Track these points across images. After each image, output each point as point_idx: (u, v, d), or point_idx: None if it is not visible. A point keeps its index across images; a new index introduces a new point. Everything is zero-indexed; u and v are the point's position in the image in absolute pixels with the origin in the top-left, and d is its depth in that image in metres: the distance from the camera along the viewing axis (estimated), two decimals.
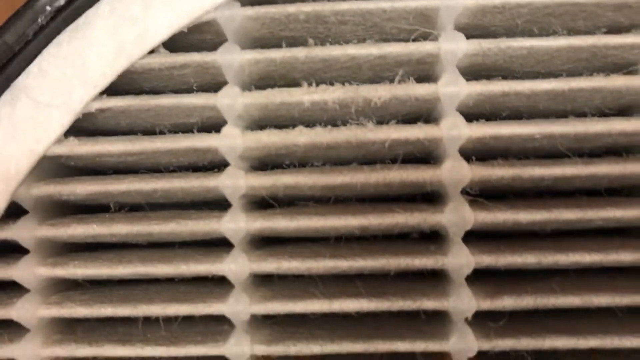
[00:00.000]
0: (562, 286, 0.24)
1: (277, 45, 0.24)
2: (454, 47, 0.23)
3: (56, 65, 0.24)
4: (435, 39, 0.24)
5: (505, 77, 0.24)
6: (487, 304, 0.23)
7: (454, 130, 0.23)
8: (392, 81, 0.24)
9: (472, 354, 0.23)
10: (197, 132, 0.25)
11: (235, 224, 0.24)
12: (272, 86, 0.24)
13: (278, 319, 0.26)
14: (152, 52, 0.24)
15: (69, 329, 0.26)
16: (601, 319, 0.24)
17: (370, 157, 0.25)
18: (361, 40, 0.25)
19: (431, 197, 0.26)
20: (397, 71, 0.24)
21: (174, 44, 0.25)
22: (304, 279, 0.25)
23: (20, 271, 0.24)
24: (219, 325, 0.25)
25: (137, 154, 0.24)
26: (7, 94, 0.24)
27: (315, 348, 0.23)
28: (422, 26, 0.24)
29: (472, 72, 0.25)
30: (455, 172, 0.23)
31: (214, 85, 0.25)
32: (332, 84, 0.24)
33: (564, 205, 0.23)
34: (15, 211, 0.25)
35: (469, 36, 0.24)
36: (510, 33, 0.25)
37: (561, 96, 0.24)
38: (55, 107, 0.24)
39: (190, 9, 0.23)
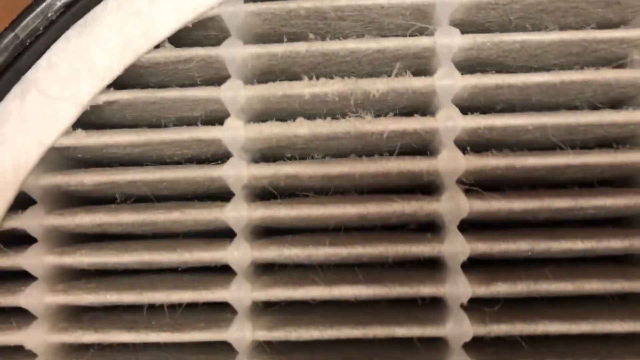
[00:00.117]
0: (555, 274, 0.24)
1: (279, 41, 0.25)
2: (449, 41, 0.24)
3: (65, 59, 0.25)
4: (432, 34, 0.25)
5: (499, 72, 0.25)
6: (482, 290, 0.24)
7: (449, 121, 0.24)
8: (390, 75, 0.25)
9: (468, 338, 0.24)
10: (201, 125, 0.26)
11: (237, 212, 0.25)
12: (274, 80, 0.25)
13: (279, 307, 0.26)
14: (157, 47, 0.25)
15: (76, 317, 0.27)
16: (593, 306, 0.25)
17: (369, 149, 0.26)
18: (360, 35, 0.26)
19: (428, 191, 0.27)
20: (395, 66, 0.25)
21: (179, 40, 0.25)
22: (304, 269, 0.26)
23: (29, 259, 0.25)
24: (221, 313, 0.26)
25: (143, 145, 0.25)
26: (17, 87, 0.25)
27: (315, 333, 0.24)
28: (419, 22, 0.25)
29: (468, 66, 0.25)
30: (450, 161, 0.24)
31: (218, 79, 0.26)
32: (332, 78, 0.25)
33: (556, 194, 0.24)
34: (24, 202, 0.26)
35: (464, 32, 0.24)
36: (504, 29, 0.25)
37: (553, 89, 0.24)
38: (63, 100, 0.25)
39: (194, 4, 0.24)
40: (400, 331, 0.24)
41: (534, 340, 0.25)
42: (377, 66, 0.26)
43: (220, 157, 0.26)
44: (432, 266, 0.26)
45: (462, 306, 0.24)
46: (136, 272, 0.27)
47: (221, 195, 0.26)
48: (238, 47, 0.25)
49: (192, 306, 0.26)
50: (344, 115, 0.25)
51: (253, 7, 0.25)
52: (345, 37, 0.25)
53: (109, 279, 0.27)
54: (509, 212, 0.24)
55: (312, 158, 0.27)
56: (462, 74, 0.24)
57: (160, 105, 0.26)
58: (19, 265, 0.25)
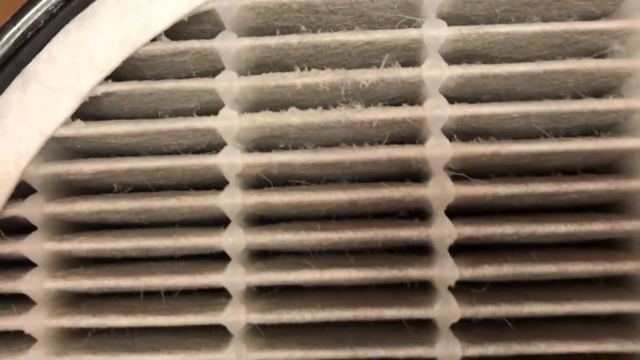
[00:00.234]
0: (539, 257, 0.25)
1: (272, 34, 0.26)
2: (436, 33, 0.25)
3: (65, 52, 0.26)
4: (419, 26, 0.25)
5: (485, 63, 0.26)
6: (469, 272, 0.24)
7: (436, 110, 0.25)
8: (379, 67, 0.26)
9: (456, 319, 0.24)
10: (197, 116, 0.26)
11: (232, 199, 0.25)
12: (267, 72, 0.26)
13: (273, 292, 0.27)
14: (154, 40, 0.26)
15: (74, 304, 0.27)
16: (578, 289, 0.26)
17: (359, 138, 0.26)
18: (350, 28, 0.26)
19: (417, 180, 0.27)
20: (384, 57, 0.26)
21: (175, 34, 0.26)
22: (297, 256, 0.27)
23: (28, 246, 0.26)
24: (216, 298, 0.27)
25: (140, 135, 0.26)
26: (19, 79, 0.26)
27: (307, 315, 0.25)
28: (407, 15, 0.26)
29: (455, 58, 0.26)
30: (438, 148, 0.25)
31: (213, 72, 0.26)
32: (323, 69, 0.26)
33: (540, 179, 0.25)
34: (25, 191, 0.26)
35: (451, 25, 0.25)
36: (490, 22, 0.26)
37: (537, 79, 0.25)
38: (63, 91, 0.26)
39: None
40: (390, 313, 0.25)
41: (520, 322, 0.25)
42: (367, 58, 0.26)
43: (216, 147, 0.27)
44: (421, 252, 0.27)
45: (449, 288, 0.25)
46: (134, 260, 0.28)
47: (216, 185, 0.27)
48: (232, 40, 0.25)
49: (188, 293, 0.27)
50: (335, 105, 0.26)
51: (247, 1, 0.25)
52: (336, 30, 0.26)
53: (107, 266, 0.27)
54: (495, 197, 0.25)
55: (305, 148, 0.27)
56: (449, 65, 0.25)
57: (156, 97, 0.26)
58: (19, 252, 0.26)
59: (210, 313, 0.25)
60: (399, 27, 0.26)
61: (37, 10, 0.25)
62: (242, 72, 0.26)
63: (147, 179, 0.27)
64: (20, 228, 0.26)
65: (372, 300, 0.25)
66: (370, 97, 0.26)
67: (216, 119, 0.25)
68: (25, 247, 0.26)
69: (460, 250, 0.25)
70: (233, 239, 0.25)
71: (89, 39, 0.26)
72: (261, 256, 0.28)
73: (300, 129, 0.26)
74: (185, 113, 0.27)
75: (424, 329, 0.26)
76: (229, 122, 0.25)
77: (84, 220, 0.27)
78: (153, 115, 0.27)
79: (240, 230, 0.25)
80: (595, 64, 0.25)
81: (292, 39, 0.25)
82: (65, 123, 0.26)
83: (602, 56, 0.26)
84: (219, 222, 0.26)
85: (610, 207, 0.27)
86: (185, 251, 0.26)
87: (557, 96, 0.27)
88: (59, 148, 0.27)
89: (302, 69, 0.26)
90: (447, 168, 0.25)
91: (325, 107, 0.26)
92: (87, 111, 0.27)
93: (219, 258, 0.26)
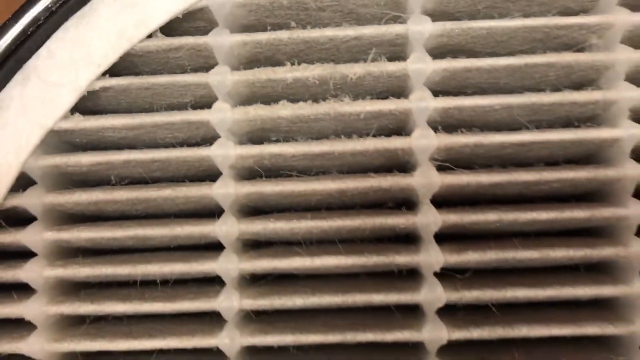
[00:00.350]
0: (523, 244, 0.26)
1: (263, 31, 0.27)
2: (420, 28, 0.26)
3: (64, 48, 0.27)
4: (405, 22, 0.26)
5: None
6: (454, 258, 0.25)
7: (422, 102, 0.26)
8: (367, 61, 0.27)
9: (441, 304, 0.25)
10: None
11: (225, 189, 0.26)
12: (259, 68, 0.27)
13: (266, 281, 0.28)
14: (150, 36, 0.27)
15: (73, 292, 0.28)
16: (559, 276, 0.27)
17: (348, 131, 0.27)
18: (339, 25, 0.28)
19: (404, 172, 0.28)
20: (371, 52, 0.27)
21: (170, 31, 0.27)
22: (289, 245, 0.28)
23: (29, 236, 0.27)
24: (211, 286, 0.27)
25: (137, 128, 0.27)
26: (19, 74, 0.27)
27: (298, 301, 0.26)
28: (393, 12, 0.27)
29: (440, 53, 0.27)
30: (423, 139, 0.26)
31: (207, 68, 0.27)
32: (312, 64, 0.27)
33: (523, 169, 0.26)
34: (25, 183, 0.27)
35: (435, 21, 0.26)
36: (473, 18, 0.27)
37: (519, 72, 0.26)
38: (62, 86, 0.27)
39: None
40: (378, 298, 0.25)
41: (504, 308, 0.26)
42: (355, 53, 0.27)
43: (209, 140, 0.27)
44: (409, 242, 0.28)
45: (435, 274, 0.26)
46: (131, 251, 0.29)
47: (210, 177, 0.28)
48: (225, 35, 0.26)
49: (183, 282, 0.28)
50: (324, 99, 0.27)
51: None
52: (325, 26, 0.27)
53: (104, 256, 0.28)
54: (479, 186, 0.26)
55: (296, 141, 0.28)
56: (433, 59, 0.26)
57: (152, 92, 0.27)
58: (20, 242, 0.27)
59: (205, 299, 0.26)
60: (386, 23, 0.27)
61: (37, 8, 0.25)
62: (235, 68, 0.27)
63: (143, 171, 0.28)
64: (21, 219, 0.27)
65: (361, 287, 0.26)
66: (358, 90, 0.27)
67: (210, 111, 0.26)
68: (25, 236, 0.27)
69: (447, 239, 0.26)
70: (226, 227, 0.26)
71: (87, 36, 0.27)
72: (254, 247, 0.29)
73: (291, 122, 0.27)
74: (180, 107, 0.28)
75: (411, 314, 0.26)
76: (222, 114, 0.26)
77: (83, 211, 0.28)
78: (149, 110, 0.28)
79: (233, 219, 0.26)
80: (574, 58, 0.26)
81: (283, 35, 0.26)
82: (65, 117, 0.27)
83: (580, 50, 0.27)
84: (214, 214, 0.27)
85: (591, 198, 0.28)
86: (180, 240, 0.27)
87: (538, 89, 0.27)
88: (58, 142, 0.28)
89: (292, 64, 0.27)
90: (433, 159, 0.26)
91: (315, 100, 0.27)
92: (86, 106, 0.28)
93: (214, 249, 0.27)
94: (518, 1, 0.27)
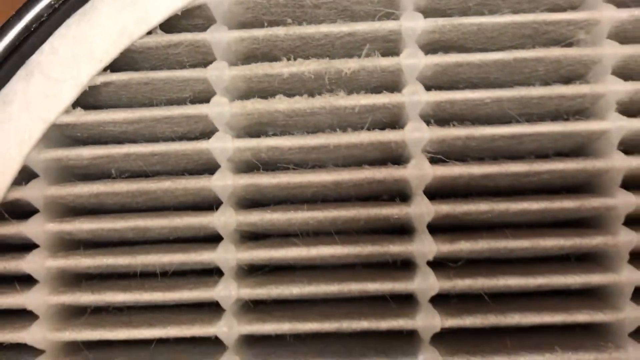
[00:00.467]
0: (514, 234, 0.27)
1: (260, 28, 0.28)
2: (413, 24, 0.27)
3: (66, 45, 0.27)
4: (398, 18, 0.27)
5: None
6: (447, 247, 0.26)
7: (414, 96, 0.27)
8: (361, 57, 0.28)
9: (434, 292, 0.26)
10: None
11: (223, 181, 0.27)
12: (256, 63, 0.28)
13: (263, 272, 0.28)
14: (150, 33, 0.28)
15: (75, 283, 0.29)
16: (549, 265, 0.27)
17: (343, 125, 0.28)
18: (333, 21, 0.28)
19: (398, 165, 0.29)
20: (365, 48, 0.28)
21: (169, 29, 0.28)
22: (286, 237, 0.28)
23: (31, 227, 0.27)
24: (209, 277, 0.28)
25: (137, 122, 0.28)
26: (23, 70, 0.27)
27: (295, 290, 0.26)
28: (387, 8, 0.28)
29: (432, 49, 0.28)
30: (416, 132, 0.26)
31: (205, 63, 0.28)
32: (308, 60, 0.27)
33: (513, 161, 0.27)
34: (27, 176, 0.28)
35: (427, 17, 0.27)
36: (464, 15, 0.28)
37: (508, 67, 0.27)
38: (64, 82, 0.27)
39: None
40: (373, 286, 0.26)
41: (496, 297, 0.27)
42: (349, 49, 0.28)
43: (208, 135, 0.28)
44: (403, 233, 0.28)
45: (428, 263, 0.26)
46: (131, 243, 0.29)
47: (209, 171, 0.28)
48: (223, 32, 0.27)
49: (182, 274, 0.29)
50: (320, 93, 0.27)
51: None
52: (320, 23, 0.28)
53: (105, 249, 0.29)
54: (470, 178, 0.26)
55: (292, 135, 0.29)
56: (426, 54, 0.27)
57: (152, 87, 0.28)
58: (22, 233, 0.27)
59: (204, 289, 0.27)
60: (379, 20, 0.27)
61: (41, 5, 0.26)
62: (233, 63, 0.28)
63: (143, 164, 0.28)
64: (24, 211, 0.28)
65: (356, 276, 0.27)
66: (353, 85, 0.28)
67: (208, 106, 0.27)
68: (27, 228, 0.27)
69: (440, 230, 0.27)
70: (224, 218, 0.27)
71: (88, 32, 0.27)
72: (252, 239, 0.29)
73: (287, 116, 0.27)
74: (179, 102, 0.29)
75: (406, 303, 0.27)
76: (220, 108, 0.27)
77: (84, 203, 0.29)
78: (149, 105, 0.29)
79: (231, 210, 0.27)
80: (563, 52, 0.27)
81: (279, 31, 0.27)
82: (66, 111, 0.27)
83: (569, 45, 0.27)
84: (212, 207, 0.28)
85: (580, 191, 0.28)
86: (179, 232, 0.28)
87: (528, 84, 0.28)
88: (60, 136, 0.29)
89: (288, 60, 0.27)
90: (425, 151, 0.27)
91: (311, 95, 0.27)
92: (87, 101, 0.28)
93: (212, 241, 0.28)
94: None
